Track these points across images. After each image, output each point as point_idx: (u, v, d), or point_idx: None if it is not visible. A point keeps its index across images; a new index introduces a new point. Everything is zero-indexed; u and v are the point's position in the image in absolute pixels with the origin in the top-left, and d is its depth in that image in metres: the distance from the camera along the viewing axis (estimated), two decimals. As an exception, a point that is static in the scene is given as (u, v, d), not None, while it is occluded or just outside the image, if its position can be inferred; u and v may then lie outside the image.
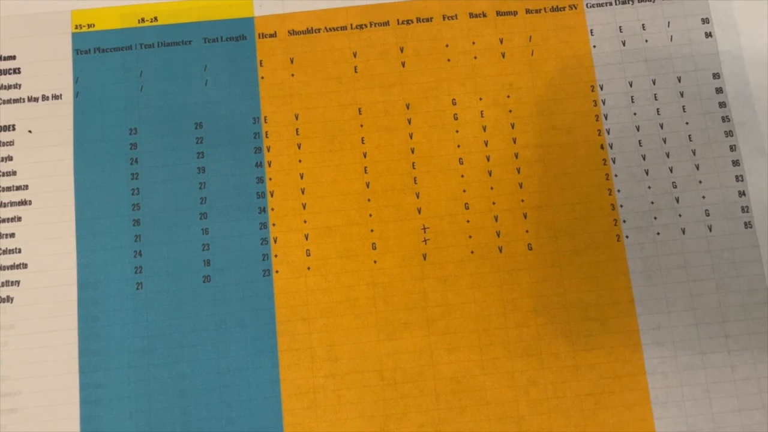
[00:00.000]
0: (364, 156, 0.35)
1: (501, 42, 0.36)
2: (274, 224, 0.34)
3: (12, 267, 0.33)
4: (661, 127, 0.35)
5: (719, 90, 0.36)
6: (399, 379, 0.33)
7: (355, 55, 0.36)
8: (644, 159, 0.35)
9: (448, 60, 0.36)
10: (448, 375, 0.33)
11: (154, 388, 0.32)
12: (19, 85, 0.35)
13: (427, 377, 0.33)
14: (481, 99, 0.35)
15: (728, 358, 0.33)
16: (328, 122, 0.35)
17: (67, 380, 0.32)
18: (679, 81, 0.36)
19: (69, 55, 0.36)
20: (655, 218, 0.34)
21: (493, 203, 0.34)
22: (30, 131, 0.35)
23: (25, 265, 0.33)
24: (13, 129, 0.35)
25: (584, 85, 0.36)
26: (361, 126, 0.35)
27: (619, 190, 0.35)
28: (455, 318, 0.33)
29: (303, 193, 0.34)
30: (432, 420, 0.33)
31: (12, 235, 0.34)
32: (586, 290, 0.34)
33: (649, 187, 0.35)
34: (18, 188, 0.34)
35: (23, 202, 0.34)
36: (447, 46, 0.36)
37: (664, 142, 0.35)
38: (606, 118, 0.35)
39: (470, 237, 0.34)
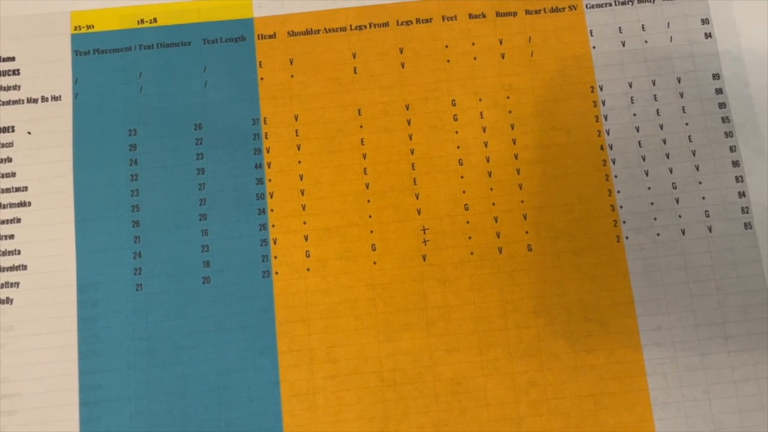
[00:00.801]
0: (364, 157, 0.35)
1: (500, 43, 0.36)
2: (273, 225, 0.34)
3: (11, 268, 0.33)
4: (661, 128, 0.35)
5: (719, 91, 0.36)
6: (399, 380, 0.33)
7: (354, 56, 0.36)
8: (644, 160, 0.35)
9: (448, 61, 0.36)
10: (447, 376, 0.33)
11: (153, 389, 0.32)
12: (19, 87, 0.35)
13: (427, 378, 0.33)
14: (480, 100, 0.35)
15: (728, 359, 0.33)
16: (328, 123, 0.35)
17: (67, 381, 0.32)
18: (679, 82, 0.36)
19: (68, 56, 0.36)
20: (655, 219, 0.34)
21: (493, 204, 0.34)
22: (29, 132, 0.35)
23: (24, 267, 0.33)
24: (13, 130, 0.35)
25: (584, 85, 0.36)
26: (361, 127, 0.35)
27: (618, 191, 0.35)
28: (455, 319, 0.33)
29: (302, 194, 0.34)
30: (432, 421, 0.33)
31: (11, 237, 0.34)
32: (586, 291, 0.34)
33: (649, 188, 0.35)
34: (17, 190, 0.34)
35: (23, 204, 0.34)
36: (446, 46, 0.36)
37: (664, 142, 0.35)
38: (606, 119, 0.35)
39: (470, 238, 0.34)
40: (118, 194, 0.34)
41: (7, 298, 0.33)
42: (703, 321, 0.33)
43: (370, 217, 0.34)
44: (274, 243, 0.34)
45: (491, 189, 0.35)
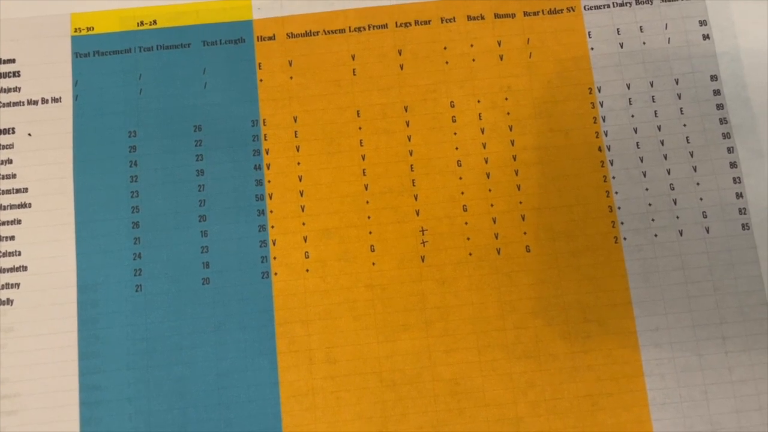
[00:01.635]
0: (363, 158, 0.35)
1: (499, 44, 0.36)
2: (272, 226, 0.34)
3: (12, 269, 0.33)
4: (659, 129, 0.35)
5: (717, 92, 0.36)
6: (398, 380, 0.33)
7: (353, 58, 0.36)
8: (642, 161, 0.35)
9: (447, 62, 0.36)
10: (446, 376, 0.33)
11: (153, 389, 0.33)
12: (19, 88, 0.35)
13: (426, 379, 0.33)
14: (479, 101, 0.36)
15: (726, 359, 0.33)
16: (327, 125, 0.35)
17: (67, 382, 0.33)
18: (677, 83, 0.36)
19: (68, 58, 0.36)
20: (653, 220, 0.34)
21: (492, 205, 0.35)
22: (29, 134, 0.35)
23: (24, 268, 0.34)
24: (13, 132, 0.35)
25: (582, 87, 0.36)
26: (360, 128, 0.35)
27: (617, 192, 0.35)
28: (454, 320, 0.33)
29: (302, 195, 0.35)
30: (430, 421, 0.33)
31: (12, 238, 0.34)
32: (584, 292, 0.34)
33: (647, 189, 0.35)
34: (18, 191, 0.34)
35: (23, 205, 0.34)
36: (445, 48, 0.36)
37: (662, 144, 0.35)
38: (604, 120, 0.35)
39: (468, 239, 0.34)
40: (118, 195, 0.34)
41: (8, 299, 0.33)
42: (700, 322, 0.33)
43: (369, 218, 0.34)
44: (274, 244, 0.34)
45: (490, 190, 0.35)
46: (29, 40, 0.36)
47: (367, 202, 0.35)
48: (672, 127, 0.35)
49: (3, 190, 0.34)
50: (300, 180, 0.35)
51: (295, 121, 0.35)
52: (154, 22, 0.36)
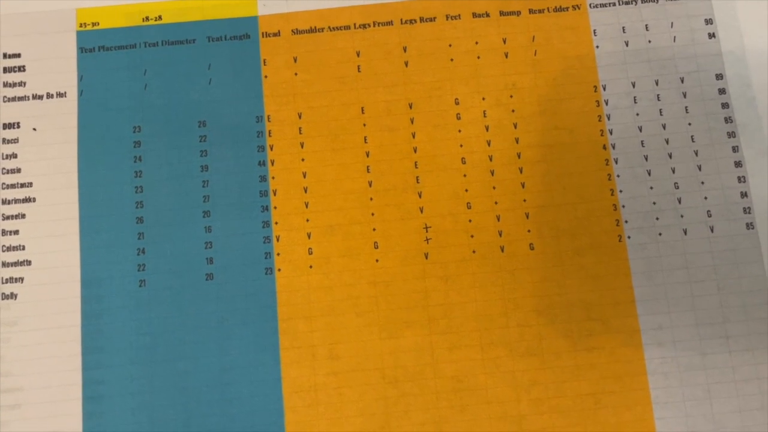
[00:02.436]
0: (367, 155, 0.35)
1: (504, 42, 0.36)
2: (276, 222, 0.34)
3: (16, 264, 0.34)
4: (664, 127, 0.35)
5: (722, 91, 0.36)
6: (400, 377, 0.33)
7: (358, 55, 0.36)
8: (646, 159, 0.35)
9: (451, 60, 0.36)
10: (449, 374, 0.33)
11: (156, 385, 0.33)
12: (24, 83, 0.35)
13: (428, 376, 0.33)
14: (483, 99, 0.35)
15: (729, 358, 0.33)
16: (331, 121, 0.35)
17: (70, 377, 0.33)
18: (682, 82, 0.36)
19: (73, 53, 0.36)
20: (657, 219, 0.34)
21: (495, 203, 0.35)
22: (34, 129, 0.35)
23: (28, 262, 0.34)
24: (18, 127, 0.35)
25: (587, 85, 0.36)
26: (364, 125, 0.35)
27: (621, 191, 0.35)
28: (457, 317, 0.33)
29: (305, 191, 0.35)
30: (433, 418, 0.33)
31: (16, 232, 0.34)
32: (587, 290, 0.34)
33: (652, 188, 0.35)
34: (22, 185, 0.34)
35: (27, 200, 0.34)
36: (450, 45, 0.36)
37: (667, 142, 0.35)
38: (609, 119, 0.35)
39: (472, 236, 0.34)
40: (123, 191, 0.34)
41: (12, 294, 0.33)
42: (704, 321, 0.33)
43: (372, 214, 0.34)
44: (277, 240, 0.34)
45: (494, 188, 0.35)
46: (35, 35, 0.36)
47: (371, 198, 0.35)
48: (677, 125, 0.35)
49: (7, 185, 0.34)
50: (304, 176, 0.35)
51: (300, 117, 0.35)
52: (160, 17, 0.36)
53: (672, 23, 0.36)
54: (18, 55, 0.36)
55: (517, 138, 0.35)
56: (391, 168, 0.35)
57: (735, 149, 0.35)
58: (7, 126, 0.35)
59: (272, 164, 0.35)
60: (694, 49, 0.36)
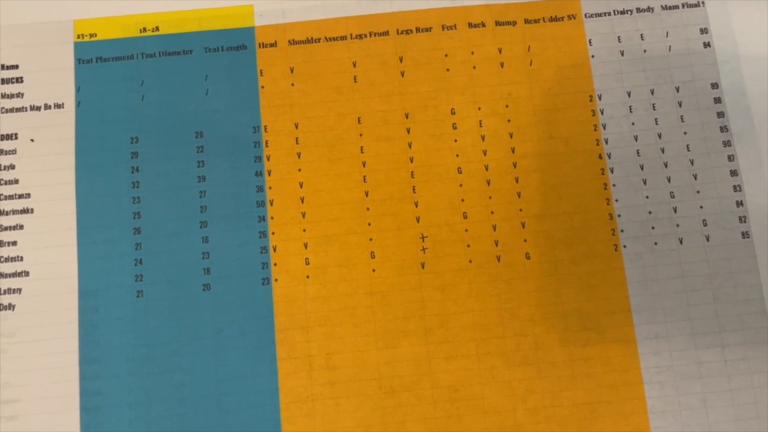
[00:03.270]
0: (363, 165, 0.35)
1: (500, 52, 0.36)
2: (273, 233, 0.34)
3: (13, 275, 0.34)
4: (660, 136, 0.35)
5: (717, 100, 0.36)
6: (397, 387, 0.33)
7: (354, 65, 0.36)
8: (642, 169, 0.35)
9: (447, 70, 0.36)
10: (445, 383, 0.33)
11: (153, 395, 0.33)
12: (22, 94, 0.35)
13: (425, 386, 0.33)
14: (479, 108, 0.36)
15: (725, 367, 0.33)
16: (328, 131, 0.35)
17: (68, 387, 0.33)
18: (678, 91, 0.36)
19: (71, 64, 0.36)
20: (653, 228, 0.34)
21: (492, 212, 0.35)
22: (32, 140, 0.35)
23: (26, 273, 0.34)
24: (16, 138, 0.35)
25: (583, 94, 0.36)
26: (361, 135, 0.35)
27: (617, 200, 0.35)
28: (453, 327, 0.34)
29: (302, 201, 0.35)
30: (429, 428, 0.33)
31: (14, 243, 0.34)
32: (583, 299, 0.34)
33: (647, 197, 0.35)
34: (20, 196, 0.34)
35: (25, 211, 0.34)
36: (446, 55, 0.36)
37: (663, 151, 0.35)
38: (604, 128, 0.35)
39: (468, 246, 0.34)
40: (120, 201, 0.34)
41: (10, 304, 0.33)
42: (700, 330, 0.33)
43: (369, 225, 0.34)
44: (274, 250, 0.34)
45: (490, 197, 0.35)
46: (32, 46, 0.36)
47: (368, 208, 0.35)
48: (672, 134, 0.35)
49: (5, 196, 0.34)
50: (301, 186, 0.35)
51: (296, 127, 0.35)
52: (157, 28, 0.36)
53: (667, 32, 0.36)
54: (16, 67, 0.36)
55: (513, 147, 0.35)
56: (387, 178, 0.35)
57: (731, 158, 0.35)
58: (5, 137, 0.35)
59: (269, 174, 0.35)
60: (690, 58, 0.36)
